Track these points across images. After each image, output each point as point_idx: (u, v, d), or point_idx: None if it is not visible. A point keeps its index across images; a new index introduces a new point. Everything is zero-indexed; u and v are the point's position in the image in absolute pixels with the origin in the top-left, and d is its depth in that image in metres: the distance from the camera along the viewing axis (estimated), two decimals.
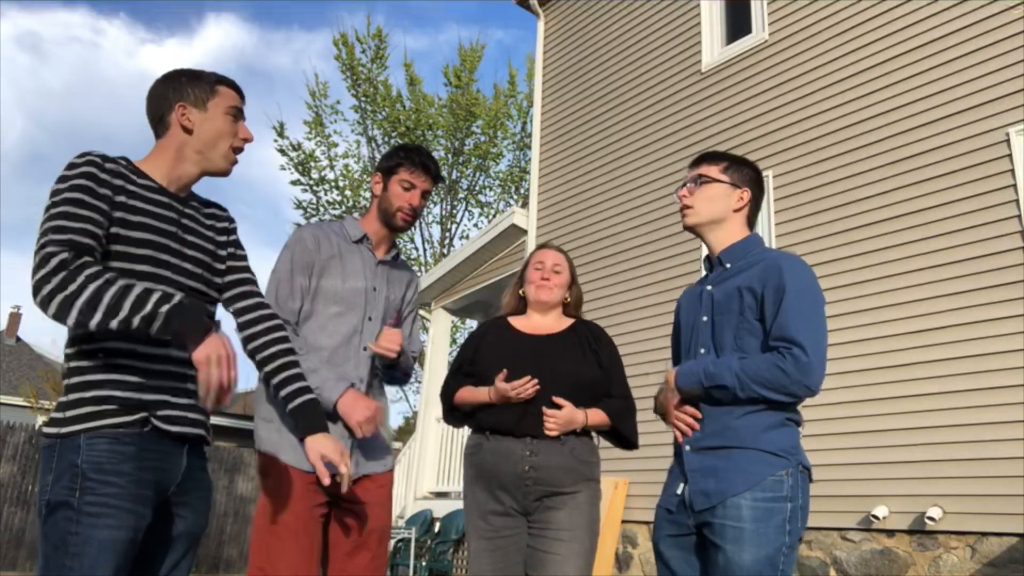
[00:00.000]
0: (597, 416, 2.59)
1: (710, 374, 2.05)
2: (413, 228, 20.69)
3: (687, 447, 2.11)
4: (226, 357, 1.61)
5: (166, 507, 1.75)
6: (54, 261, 1.58)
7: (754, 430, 2.00)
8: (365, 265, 2.52)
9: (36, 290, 1.59)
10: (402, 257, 2.70)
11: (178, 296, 1.63)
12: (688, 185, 2.25)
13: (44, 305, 1.58)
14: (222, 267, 1.97)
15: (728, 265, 2.18)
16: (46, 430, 1.67)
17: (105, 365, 1.69)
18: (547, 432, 2.51)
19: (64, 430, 1.65)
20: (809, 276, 2.07)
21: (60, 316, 1.57)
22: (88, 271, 1.59)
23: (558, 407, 2.52)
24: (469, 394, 2.66)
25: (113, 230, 1.71)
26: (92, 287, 1.57)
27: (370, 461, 2.43)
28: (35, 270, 1.60)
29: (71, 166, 1.71)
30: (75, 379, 1.69)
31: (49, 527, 1.60)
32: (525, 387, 2.49)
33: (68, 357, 1.72)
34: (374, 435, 2.43)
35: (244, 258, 2.03)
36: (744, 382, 1.98)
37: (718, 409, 2.06)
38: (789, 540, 1.95)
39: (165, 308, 1.59)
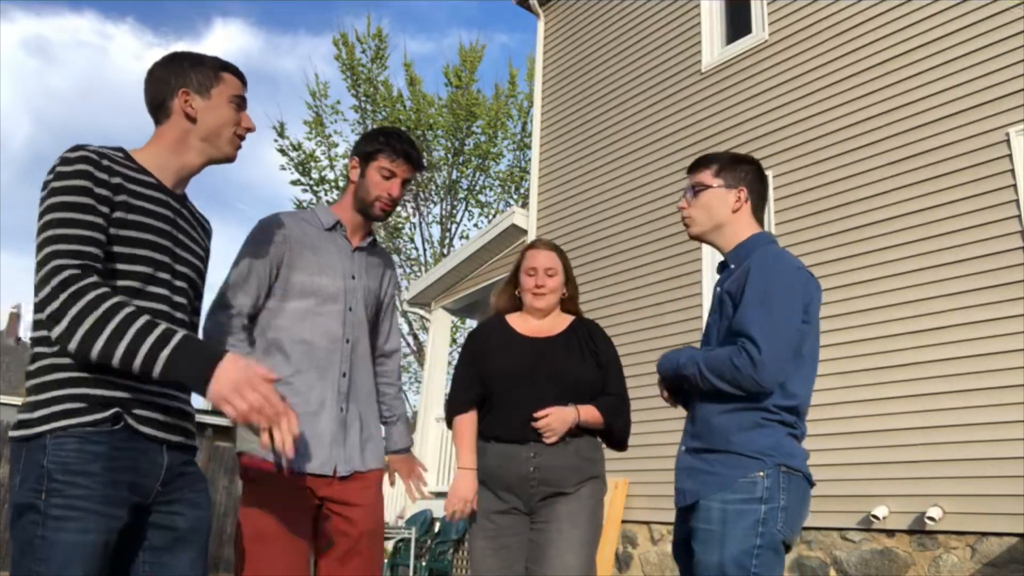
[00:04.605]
0: (589, 413, 2.60)
1: (680, 364, 2.11)
2: (413, 228, 20.69)
3: (682, 448, 2.15)
4: (254, 386, 1.44)
5: (158, 507, 1.66)
6: (62, 276, 1.49)
7: (727, 432, 2.01)
8: (340, 253, 2.39)
9: (42, 306, 1.50)
10: (380, 244, 2.56)
11: (180, 333, 1.51)
12: (687, 195, 2.28)
13: (51, 324, 1.50)
14: (201, 289, 1.88)
15: (732, 266, 2.20)
16: (13, 433, 1.59)
17: (73, 362, 1.58)
18: (548, 440, 2.53)
19: (32, 431, 1.56)
20: (773, 272, 2.02)
21: (64, 338, 1.49)
22: (96, 292, 1.49)
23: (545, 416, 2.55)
24: (466, 433, 2.65)
25: (111, 231, 1.61)
26: (99, 311, 1.48)
27: (365, 455, 2.32)
28: (41, 284, 1.51)
29: (65, 161, 1.60)
30: (43, 378, 1.59)
31: (17, 530, 1.52)
32: (465, 509, 2.57)
33: (35, 354, 1.61)
34: (367, 424, 2.36)
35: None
36: (703, 373, 2.03)
37: (701, 409, 2.10)
38: (761, 542, 1.91)
39: (166, 351, 1.48)
